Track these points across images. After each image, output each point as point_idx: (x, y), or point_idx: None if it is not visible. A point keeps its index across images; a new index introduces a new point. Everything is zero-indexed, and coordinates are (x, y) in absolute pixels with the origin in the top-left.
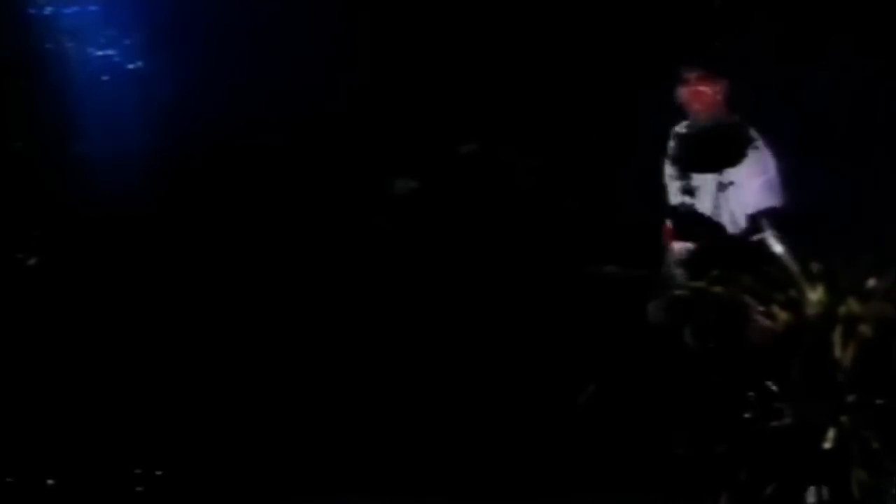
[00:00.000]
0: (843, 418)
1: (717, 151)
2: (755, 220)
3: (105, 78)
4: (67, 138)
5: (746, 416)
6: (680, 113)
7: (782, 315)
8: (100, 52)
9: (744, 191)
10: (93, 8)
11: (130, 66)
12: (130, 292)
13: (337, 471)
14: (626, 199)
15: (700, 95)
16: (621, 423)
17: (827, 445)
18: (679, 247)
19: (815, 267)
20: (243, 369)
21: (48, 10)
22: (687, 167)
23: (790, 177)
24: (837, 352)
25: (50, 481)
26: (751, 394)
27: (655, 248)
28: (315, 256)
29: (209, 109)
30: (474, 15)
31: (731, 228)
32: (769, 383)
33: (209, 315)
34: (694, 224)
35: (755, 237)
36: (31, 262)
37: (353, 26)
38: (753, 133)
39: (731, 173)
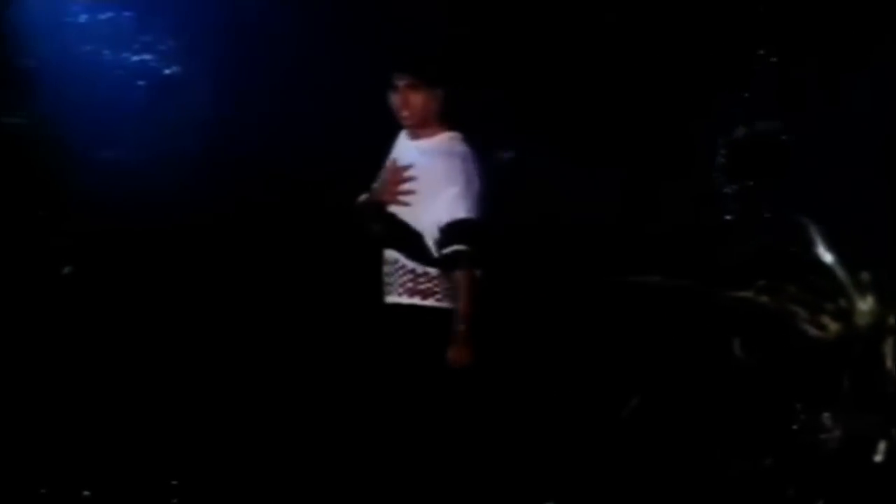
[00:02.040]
0: (895, 431)
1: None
2: (446, 232)
3: (141, 83)
4: (102, 144)
5: (794, 428)
6: (723, 120)
7: (832, 325)
8: (135, 58)
9: (437, 202)
10: (128, 14)
11: (166, 72)
12: (165, 301)
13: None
14: (670, 207)
15: (409, 103)
16: (666, 436)
17: (878, 459)
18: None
19: (864, 276)
20: (272, 380)
21: (83, 16)
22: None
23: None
24: (888, 363)
25: (86, 492)
26: (798, 406)
27: (700, 258)
28: (351, 261)
29: (245, 115)
30: (515, 19)
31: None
32: (818, 395)
33: (243, 324)
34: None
35: (447, 249)
36: (66, 270)
37: (395, 27)
38: (463, 145)
39: (425, 184)
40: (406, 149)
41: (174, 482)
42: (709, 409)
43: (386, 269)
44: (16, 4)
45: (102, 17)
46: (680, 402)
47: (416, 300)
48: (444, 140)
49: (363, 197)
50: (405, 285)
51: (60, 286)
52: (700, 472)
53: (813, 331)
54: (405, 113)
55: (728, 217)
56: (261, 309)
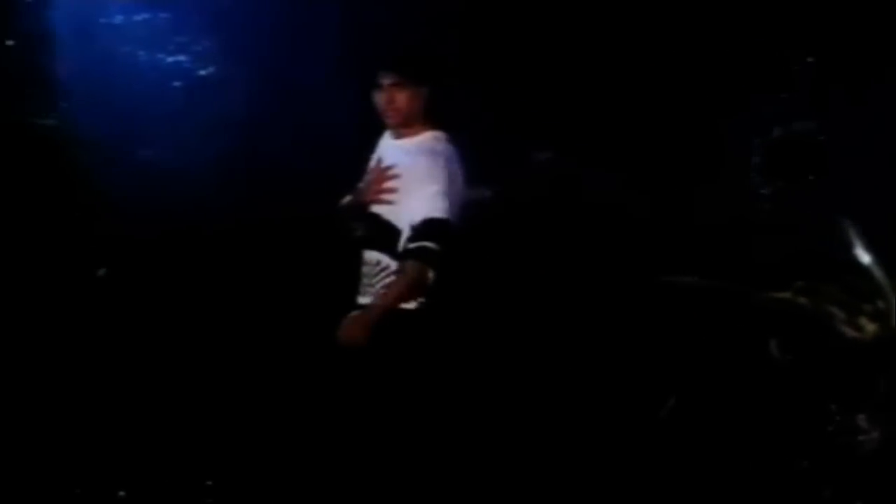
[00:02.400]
0: None
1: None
2: (418, 229)
3: (176, 84)
4: (137, 145)
5: (830, 430)
6: (759, 120)
7: (869, 326)
8: (170, 59)
9: (417, 200)
10: (164, 14)
11: (201, 73)
12: (199, 302)
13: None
14: (706, 208)
15: (394, 102)
16: (702, 437)
17: None
18: None
19: None
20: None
21: (119, 17)
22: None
23: None
24: None
25: (121, 493)
26: (835, 407)
27: (737, 259)
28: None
29: (281, 115)
30: (549, 21)
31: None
32: (855, 397)
33: (279, 325)
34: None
35: (414, 244)
36: (100, 272)
37: (430, 30)
38: (446, 145)
39: (407, 182)
40: (389, 148)
41: (209, 482)
42: (745, 410)
43: (366, 269)
44: (51, 6)
45: (138, 18)
46: (716, 403)
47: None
48: (428, 139)
49: (347, 198)
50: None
51: (95, 288)
52: (737, 472)
53: (850, 332)
54: (390, 112)
55: (764, 218)
56: (295, 311)
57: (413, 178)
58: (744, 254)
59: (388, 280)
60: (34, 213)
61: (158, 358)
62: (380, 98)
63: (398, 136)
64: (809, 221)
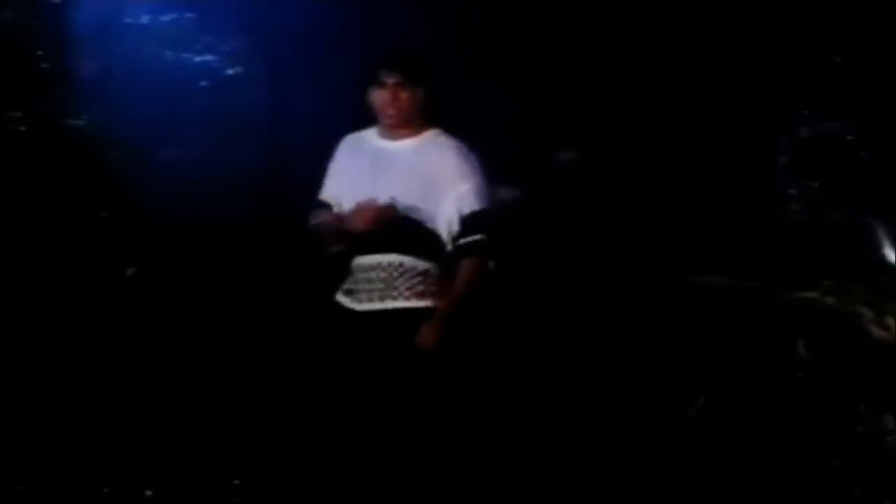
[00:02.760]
0: None
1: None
2: (465, 223)
3: (203, 84)
4: (164, 145)
5: (859, 430)
6: (786, 120)
7: None
8: (197, 59)
9: (452, 195)
10: (190, 14)
11: (228, 72)
12: (227, 301)
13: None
14: (733, 208)
15: (397, 101)
16: (731, 437)
17: None
18: None
19: None
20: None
21: (145, 17)
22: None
23: None
24: None
25: (148, 492)
26: (863, 407)
27: (765, 259)
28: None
29: (309, 116)
30: (573, 17)
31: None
32: (883, 397)
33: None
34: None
35: (465, 240)
36: (129, 272)
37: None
38: (454, 140)
39: (438, 180)
40: (385, 150)
41: (236, 482)
42: (773, 410)
43: (374, 274)
44: (77, 6)
45: (164, 18)
46: (744, 403)
47: (425, 302)
48: (437, 135)
49: (321, 218)
50: (414, 289)
51: (123, 289)
52: (765, 472)
53: (878, 331)
54: (392, 111)
55: (792, 218)
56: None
57: (443, 175)
58: (772, 254)
59: (415, 281)
60: (63, 213)
61: (187, 357)
62: (381, 96)
63: (394, 136)
64: (837, 221)
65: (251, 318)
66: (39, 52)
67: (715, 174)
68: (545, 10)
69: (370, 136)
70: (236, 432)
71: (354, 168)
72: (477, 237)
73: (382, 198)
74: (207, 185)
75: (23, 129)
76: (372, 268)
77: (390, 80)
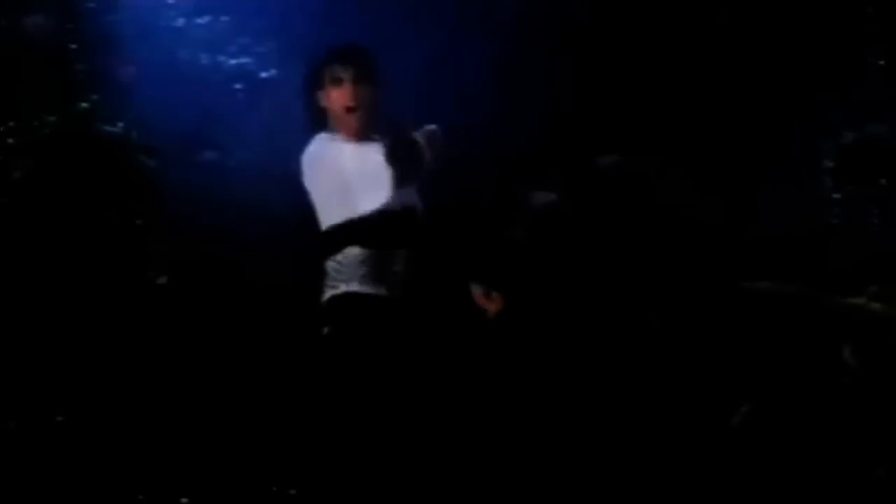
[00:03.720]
0: None
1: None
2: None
3: (238, 87)
4: (200, 149)
5: None
6: (831, 124)
7: None
8: (233, 61)
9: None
10: (225, 17)
11: (264, 75)
12: (262, 307)
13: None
14: (779, 211)
15: (359, 97)
16: (776, 444)
17: None
18: None
19: None
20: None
21: (180, 21)
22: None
23: None
24: None
25: (184, 500)
26: None
27: (809, 264)
28: (448, 270)
29: None
30: (613, 20)
31: None
32: None
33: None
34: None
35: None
36: (161, 280)
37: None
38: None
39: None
40: (358, 153)
41: (273, 488)
42: (819, 416)
43: (376, 261)
44: (113, 10)
45: (199, 20)
46: (790, 410)
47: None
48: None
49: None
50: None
51: (156, 297)
52: (811, 480)
53: None
54: (356, 109)
55: (837, 222)
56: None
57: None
58: (816, 258)
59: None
60: (96, 220)
61: (219, 367)
62: (338, 94)
63: (359, 138)
64: (882, 226)
65: (289, 328)
66: (74, 56)
67: (759, 177)
68: (584, 11)
69: (335, 143)
70: (272, 439)
71: (355, 181)
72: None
73: (408, 200)
74: (244, 191)
75: (57, 133)
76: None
77: (346, 75)
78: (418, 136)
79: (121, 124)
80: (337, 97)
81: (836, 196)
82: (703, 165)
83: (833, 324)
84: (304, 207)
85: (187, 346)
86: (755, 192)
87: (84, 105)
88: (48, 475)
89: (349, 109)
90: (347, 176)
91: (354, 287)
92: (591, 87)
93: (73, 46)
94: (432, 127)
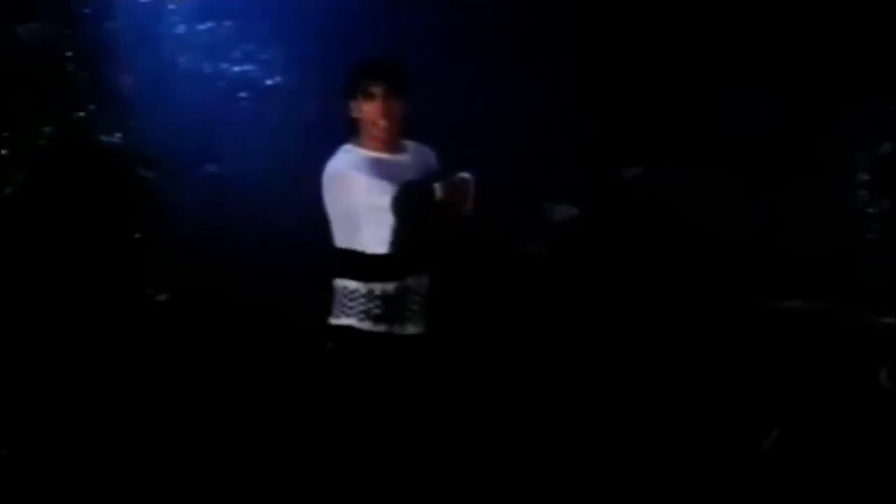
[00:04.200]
0: None
1: None
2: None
3: (243, 95)
4: (203, 160)
5: None
6: (862, 135)
7: None
8: (237, 69)
9: None
10: (228, 23)
11: (269, 82)
12: (267, 329)
13: None
14: (811, 225)
15: (390, 112)
16: (808, 470)
17: None
18: None
19: None
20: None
21: (181, 27)
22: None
23: None
24: None
25: None
26: None
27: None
28: (466, 284)
29: None
30: (637, 29)
31: None
32: None
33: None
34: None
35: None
36: (161, 297)
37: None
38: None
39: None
40: (385, 164)
41: None
42: (852, 441)
43: (413, 297)
44: (110, 17)
45: (201, 26)
46: (822, 435)
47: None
48: (421, 147)
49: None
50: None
51: (155, 314)
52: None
53: None
54: (384, 123)
55: (871, 237)
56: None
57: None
58: (850, 276)
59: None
60: (94, 234)
61: (220, 391)
62: (369, 108)
63: (388, 149)
64: None
65: (297, 351)
66: (70, 64)
67: (790, 190)
68: (609, 22)
69: (363, 156)
70: (273, 463)
71: (335, 185)
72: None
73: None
74: (249, 205)
75: (53, 144)
76: (413, 290)
77: (379, 90)
78: (445, 186)
79: (119, 135)
80: (368, 111)
81: (870, 210)
82: (729, 176)
83: (868, 345)
84: (313, 222)
85: (187, 366)
86: (785, 205)
87: (81, 115)
88: (45, 493)
89: (375, 125)
90: (368, 191)
91: (353, 321)
92: (613, 96)
93: (70, 54)
94: (466, 176)
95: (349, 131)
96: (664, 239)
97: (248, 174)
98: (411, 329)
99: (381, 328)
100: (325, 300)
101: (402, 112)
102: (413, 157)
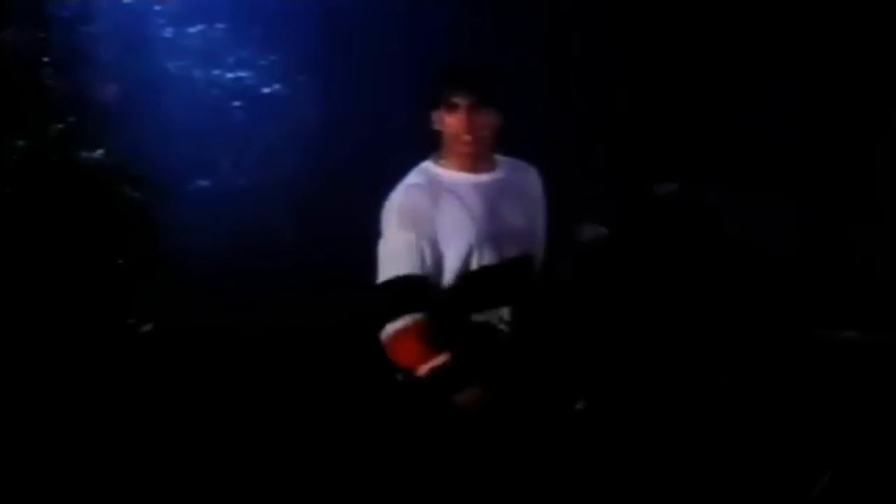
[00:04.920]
0: None
1: None
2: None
3: (237, 104)
4: (194, 176)
5: None
6: None
7: None
8: (230, 75)
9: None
10: (221, 25)
11: (266, 91)
12: (269, 370)
13: None
14: (866, 249)
15: (473, 125)
16: None
17: None
18: None
19: None
20: None
21: (169, 30)
22: None
23: None
24: None
25: None
26: None
27: None
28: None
29: (358, 137)
30: (672, 39)
31: None
32: None
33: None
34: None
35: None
36: (146, 328)
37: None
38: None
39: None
40: (472, 187)
41: None
42: None
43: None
44: (91, 20)
45: (192, 30)
46: (877, 480)
47: None
48: (521, 165)
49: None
50: None
51: (139, 347)
52: None
53: None
54: (469, 138)
55: None
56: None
57: (538, 205)
58: None
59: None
60: (72, 259)
61: (207, 435)
62: (452, 121)
63: (473, 168)
64: None
65: (294, 391)
66: (47, 72)
67: (844, 209)
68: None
69: (441, 175)
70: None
71: (447, 218)
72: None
73: (505, 244)
74: (246, 224)
75: (27, 160)
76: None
77: (463, 101)
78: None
79: (101, 150)
80: (451, 124)
81: None
82: (776, 193)
83: None
84: (316, 243)
85: (174, 406)
86: (839, 226)
87: (59, 128)
88: None
89: (459, 139)
90: (459, 213)
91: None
92: (646, 104)
93: (46, 60)
94: (602, 231)
95: (432, 146)
96: (703, 263)
97: (244, 191)
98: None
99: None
100: (331, 331)
101: (491, 125)
102: (506, 177)
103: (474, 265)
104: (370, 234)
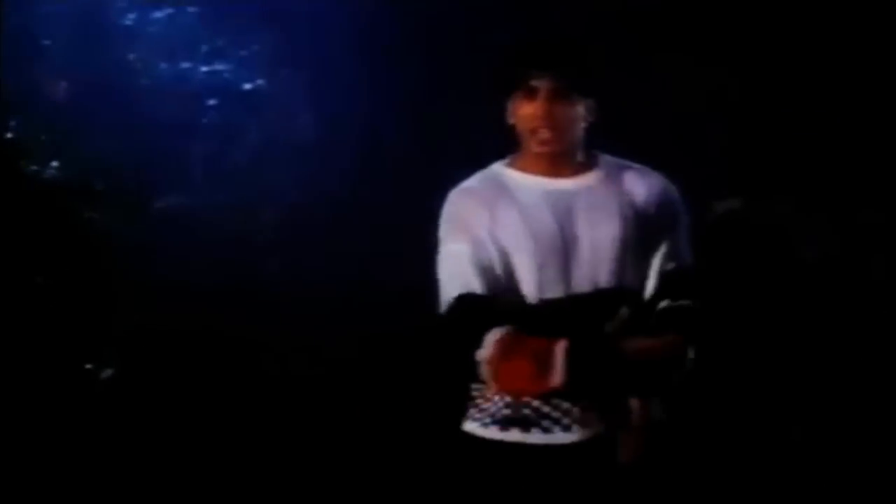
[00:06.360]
0: None
1: None
2: (672, 284)
3: (212, 103)
4: (162, 191)
5: None
6: None
7: None
8: (204, 69)
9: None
10: (192, 9)
11: (246, 87)
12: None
13: None
14: None
15: (554, 116)
16: None
17: None
18: None
19: None
20: None
21: (131, 17)
22: None
23: None
24: None
25: None
26: None
27: None
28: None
29: (350, 141)
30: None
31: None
32: None
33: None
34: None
35: (667, 303)
36: (106, 374)
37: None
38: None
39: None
40: (553, 192)
41: None
42: None
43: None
44: (37, 3)
45: (158, 14)
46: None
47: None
48: (620, 165)
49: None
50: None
51: (97, 395)
52: None
53: None
54: (546, 131)
55: None
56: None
57: (652, 219)
58: None
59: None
60: (16, 294)
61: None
62: (527, 110)
63: (555, 171)
64: None
65: (286, 442)
66: None
67: None
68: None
69: (509, 178)
70: None
71: (505, 231)
72: (684, 303)
73: (590, 263)
74: (220, 246)
75: None
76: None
77: (544, 86)
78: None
79: (55, 163)
80: (526, 115)
81: None
82: (854, 209)
83: None
84: (304, 268)
85: (141, 465)
86: None
87: (6, 136)
88: None
89: (536, 132)
90: (498, 227)
91: (494, 432)
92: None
93: None
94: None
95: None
96: (771, 287)
97: (222, 207)
98: (564, 437)
99: (512, 436)
100: (322, 372)
101: (579, 117)
102: (599, 184)
103: (535, 293)
104: (372, 254)
